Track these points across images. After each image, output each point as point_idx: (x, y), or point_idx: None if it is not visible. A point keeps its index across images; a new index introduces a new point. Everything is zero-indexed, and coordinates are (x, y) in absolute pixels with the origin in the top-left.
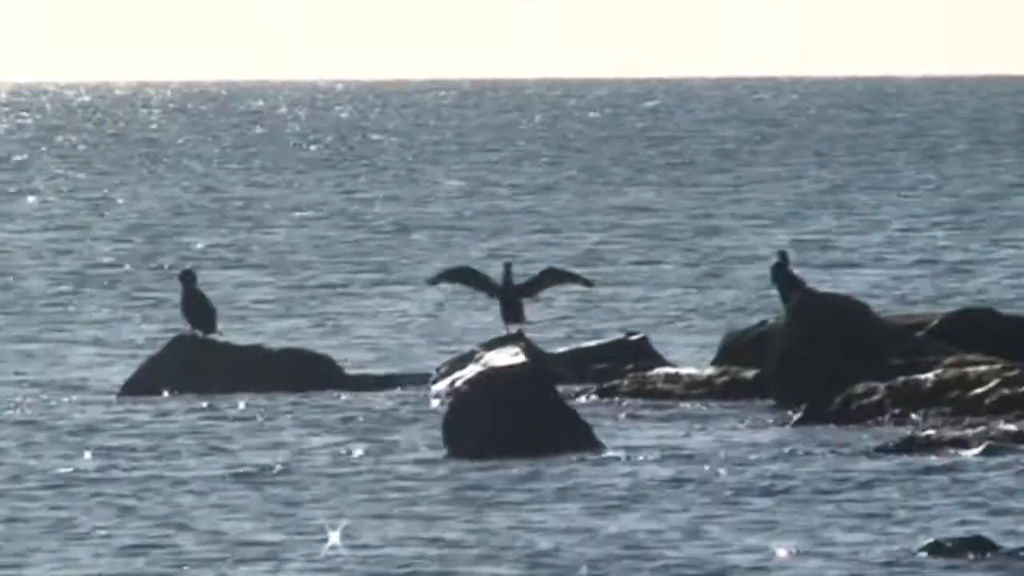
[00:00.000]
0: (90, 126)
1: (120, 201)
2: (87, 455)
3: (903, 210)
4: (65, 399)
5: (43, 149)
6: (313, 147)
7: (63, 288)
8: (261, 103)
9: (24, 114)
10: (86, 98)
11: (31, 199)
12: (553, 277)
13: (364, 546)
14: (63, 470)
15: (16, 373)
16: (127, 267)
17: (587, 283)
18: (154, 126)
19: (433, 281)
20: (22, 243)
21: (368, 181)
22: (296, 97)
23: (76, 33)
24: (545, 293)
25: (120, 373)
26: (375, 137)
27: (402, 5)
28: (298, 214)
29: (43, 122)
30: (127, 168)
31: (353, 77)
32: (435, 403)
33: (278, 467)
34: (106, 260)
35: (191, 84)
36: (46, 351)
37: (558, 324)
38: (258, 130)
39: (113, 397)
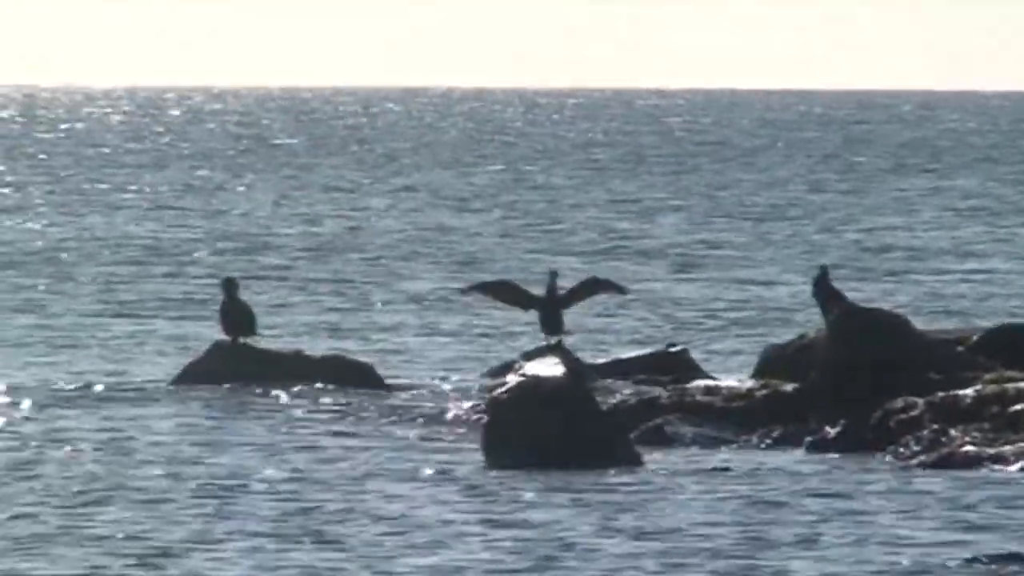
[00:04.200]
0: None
1: None
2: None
3: None
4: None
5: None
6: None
7: None
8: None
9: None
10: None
11: None
12: (593, 285)
13: (403, 548)
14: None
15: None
16: None
17: (623, 290)
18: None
19: (466, 292)
20: None
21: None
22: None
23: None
24: (584, 302)
25: None
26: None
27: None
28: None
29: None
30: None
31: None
32: (474, 413)
33: (307, 474)
34: None
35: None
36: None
37: (598, 334)
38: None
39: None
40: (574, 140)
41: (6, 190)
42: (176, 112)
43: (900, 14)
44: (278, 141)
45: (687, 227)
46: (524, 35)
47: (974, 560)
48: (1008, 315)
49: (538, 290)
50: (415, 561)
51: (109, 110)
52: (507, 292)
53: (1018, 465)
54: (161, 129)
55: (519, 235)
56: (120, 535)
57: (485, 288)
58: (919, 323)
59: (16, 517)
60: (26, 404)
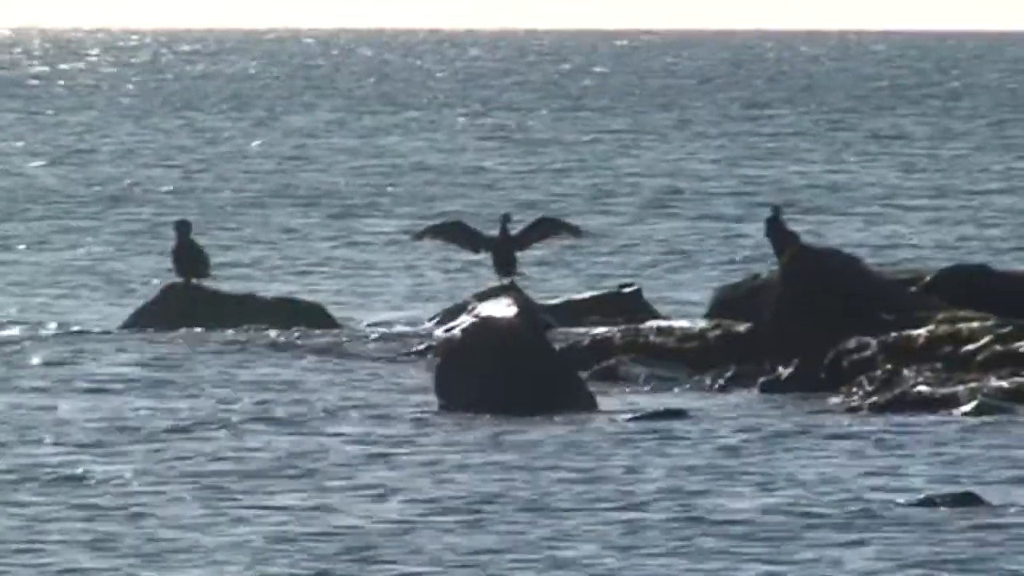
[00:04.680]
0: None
1: None
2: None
3: None
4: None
5: None
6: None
7: None
8: None
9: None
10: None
11: None
12: (546, 227)
13: (355, 489)
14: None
15: None
16: None
17: (578, 232)
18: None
19: (419, 236)
20: None
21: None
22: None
23: None
24: (539, 244)
25: None
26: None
27: None
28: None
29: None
30: None
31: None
32: (427, 354)
33: (262, 413)
34: None
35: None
36: None
37: (552, 274)
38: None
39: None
40: (540, 81)
41: None
42: (138, 57)
43: None
44: (241, 82)
45: (642, 167)
46: None
47: (927, 501)
48: (961, 255)
49: (492, 231)
50: (367, 504)
51: (78, 53)
52: (460, 234)
53: (971, 405)
54: (132, 73)
55: (484, 175)
56: (75, 477)
57: (438, 230)
58: (872, 263)
59: None
60: None
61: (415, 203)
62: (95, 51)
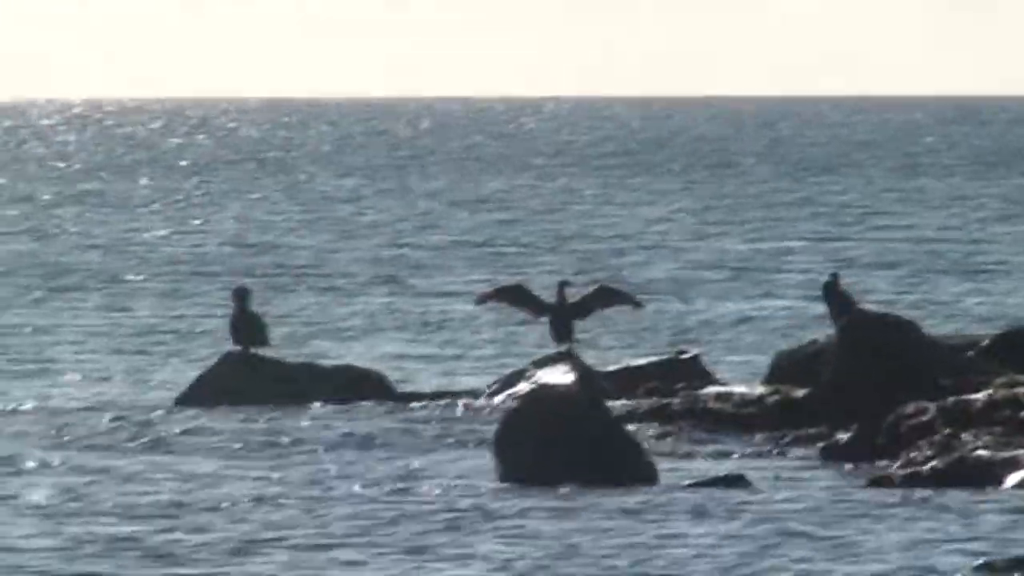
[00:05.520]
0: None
1: None
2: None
3: None
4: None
5: None
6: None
7: None
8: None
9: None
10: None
11: None
12: (605, 296)
13: (417, 560)
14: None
15: None
16: None
17: (638, 304)
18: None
19: (480, 300)
20: None
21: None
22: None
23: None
24: (596, 312)
25: None
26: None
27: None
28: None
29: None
30: None
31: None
32: (485, 422)
33: (320, 486)
34: None
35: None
36: None
37: (609, 341)
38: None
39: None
40: (580, 148)
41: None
42: (155, 124)
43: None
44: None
45: (699, 232)
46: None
47: (987, 566)
48: (1017, 318)
49: (549, 298)
50: (426, 574)
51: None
52: (520, 298)
53: None
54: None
55: (531, 239)
56: (137, 551)
57: (499, 294)
58: (929, 327)
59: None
60: (30, 424)
61: (482, 266)
62: (158, 122)
